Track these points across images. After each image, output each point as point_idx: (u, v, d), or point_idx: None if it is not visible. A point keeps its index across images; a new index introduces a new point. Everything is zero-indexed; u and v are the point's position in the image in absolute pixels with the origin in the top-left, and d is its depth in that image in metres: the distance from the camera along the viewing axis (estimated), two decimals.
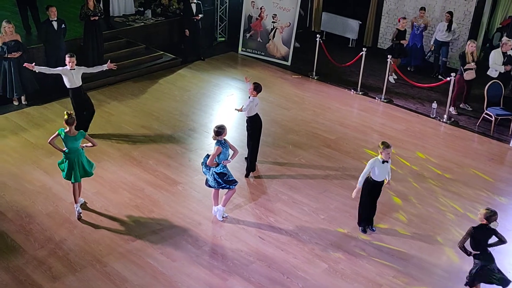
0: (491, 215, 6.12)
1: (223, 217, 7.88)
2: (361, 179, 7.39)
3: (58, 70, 9.28)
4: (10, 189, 8.31)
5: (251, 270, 6.97)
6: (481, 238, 6.22)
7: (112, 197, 8.27)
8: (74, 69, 9.16)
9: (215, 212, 7.89)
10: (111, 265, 6.90)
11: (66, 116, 7.41)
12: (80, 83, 9.42)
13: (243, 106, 8.57)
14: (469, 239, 6.26)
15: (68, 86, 9.35)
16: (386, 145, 7.21)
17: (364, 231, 7.75)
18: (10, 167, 8.88)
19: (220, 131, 7.33)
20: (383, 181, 7.48)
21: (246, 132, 8.94)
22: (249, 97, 8.60)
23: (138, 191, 8.48)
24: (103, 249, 7.17)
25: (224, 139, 7.41)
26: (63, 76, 9.25)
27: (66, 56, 9.16)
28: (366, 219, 7.79)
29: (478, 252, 6.27)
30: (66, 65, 9.17)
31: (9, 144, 9.58)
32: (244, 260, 7.13)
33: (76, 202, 7.76)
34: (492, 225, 6.14)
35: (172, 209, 8.07)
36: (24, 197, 8.16)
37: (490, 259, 6.31)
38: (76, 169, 7.55)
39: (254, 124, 8.79)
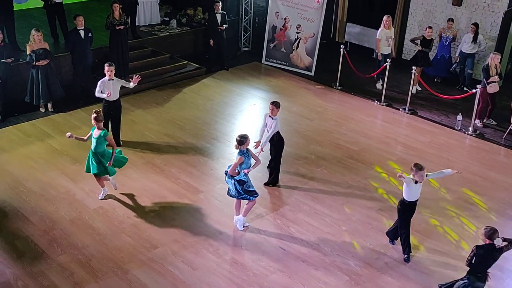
0: (492, 233, 6.03)
1: (243, 226, 7.87)
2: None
3: (99, 87, 9.23)
4: (35, 195, 8.44)
5: (271, 280, 6.93)
6: (489, 257, 6.10)
7: (135, 204, 8.33)
8: (112, 79, 9.19)
9: (236, 221, 7.89)
10: (132, 272, 6.94)
11: (94, 114, 7.71)
12: (118, 96, 9.48)
13: (267, 136, 8.58)
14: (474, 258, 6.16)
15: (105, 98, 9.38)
16: (419, 167, 6.90)
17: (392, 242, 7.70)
18: (36, 173, 9.02)
19: (242, 140, 7.34)
20: (416, 201, 7.22)
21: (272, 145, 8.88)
22: (271, 118, 8.56)
23: (160, 198, 8.52)
24: (125, 256, 7.22)
25: (247, 149, 7.42)
26: (103, 88, 9.28)
27: (105, 65, 9.17)
28: (395, 235, 7.60)
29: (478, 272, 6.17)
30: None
31: (35, 150, 9.74)
32: (265, 270, 7.10)
33: (102, 186, 8.33)
34: (496, 241, 6.03)
35: (194, 217, 8.09)
36: (48, 202, 8.27)
37: (484, 280, 6.24)
38: (100, 162, 7.99)
39: (279, 140, 8.75)
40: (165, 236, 7.65)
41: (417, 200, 7.23)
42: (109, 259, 7.17)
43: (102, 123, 7.94)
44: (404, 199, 7.19)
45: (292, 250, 7.50)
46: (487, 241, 6.07)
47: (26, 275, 6.83)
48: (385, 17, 12.79)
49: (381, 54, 12.88)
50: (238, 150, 7.40)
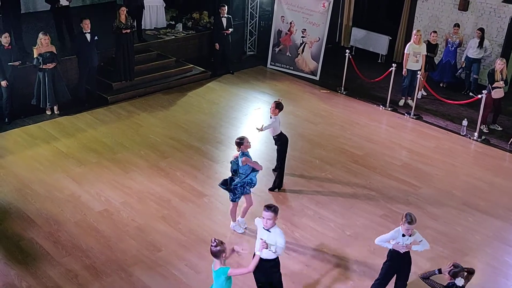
0: (458, 271, 5.31)
1: (244, 228, 7.87)
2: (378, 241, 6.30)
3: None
4: (40, 197, 8.47)
5: None
6: None
7: (139, 208, 8.35)
8: (270, 231, 5.82)
9: (233, 226, 7.88)
10: (136, 275, 6.95)
11: (212, 243, 5.42)
12: None
13: (263, 125, 8.56)
14: None
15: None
16: (408, 220, 5.86)
17: None
18: (41, 175, 9.06)
19: (240, 142, 7.36)
20: (407, 253, 6.25)
21: (277, 148, 8.90)
22: (271, 116, 8.58)
23: (165, 202, 8.54)
24: (129, 259, 7.23)
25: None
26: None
27: (265, 211, 5.70)
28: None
29: None
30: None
31: (40, 152, 9.79)
32: None
33: None
34: (457, 281, 5.31)
35: (198, 221, 8.10)
36: (54, 205, 8.30)
37: None
38: None
39: (283, 141, 8.79)
40: (169, 239, 7.67)
41: (406, 253, 6.22)
42: (113, 261, 7.18)
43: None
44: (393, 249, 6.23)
45: (296, 254, 7.50)
46: (450, 279, 5.37)
47: (31, 276, 6.85)
48: (414, 31, 12.23)
49: (409, 70, 12.14)
50: (240, 153, 7.41)
